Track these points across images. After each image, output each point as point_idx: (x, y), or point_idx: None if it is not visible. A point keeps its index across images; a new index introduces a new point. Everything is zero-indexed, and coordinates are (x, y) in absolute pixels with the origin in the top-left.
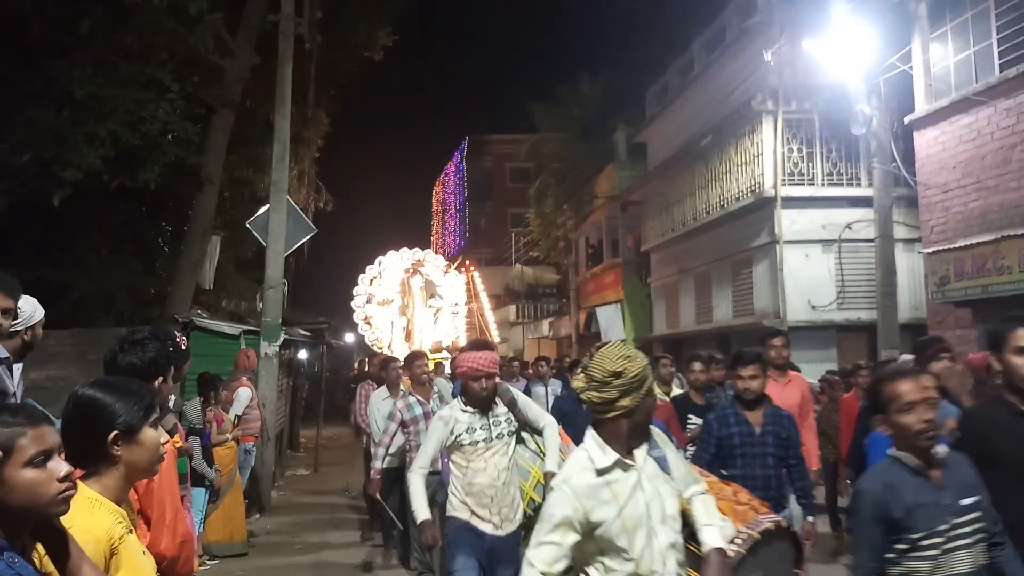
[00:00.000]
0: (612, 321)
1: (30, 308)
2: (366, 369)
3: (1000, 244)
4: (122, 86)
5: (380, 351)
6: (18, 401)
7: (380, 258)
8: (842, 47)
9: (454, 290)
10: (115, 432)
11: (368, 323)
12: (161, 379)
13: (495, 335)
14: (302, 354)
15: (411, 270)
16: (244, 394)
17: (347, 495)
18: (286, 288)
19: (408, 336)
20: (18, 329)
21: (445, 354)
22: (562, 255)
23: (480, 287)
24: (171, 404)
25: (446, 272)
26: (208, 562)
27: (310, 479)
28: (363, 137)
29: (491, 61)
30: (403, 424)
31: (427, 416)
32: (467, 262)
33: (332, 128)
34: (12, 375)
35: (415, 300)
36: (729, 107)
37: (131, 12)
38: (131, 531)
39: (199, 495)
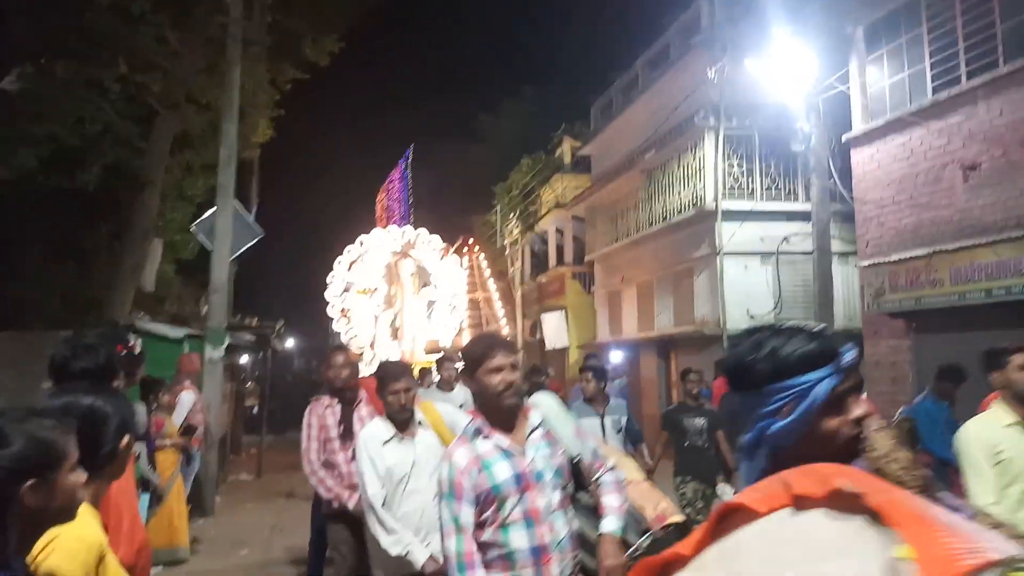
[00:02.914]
0: (557, 328)
1: None
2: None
3: (932, 258)
4: (60, 85)
5: (360, 352)
6: None
7: (362, 237)
8: (782, 67)
9: (452, 278)
10: (129, 437)
11: (345, 316)
12: (116, 384)
13: (505, 330)
14: (244, 359)
15: (400, 253)
16: (186, 398)
17: (292, 500)
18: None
19: (396, 333)
20: None
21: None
22: (507, 263)
23: (487, 272)
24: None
25: (443, 256)
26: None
27: (253, 484)
28: (307, 143)
29: (439, 71)
30: (479, 502)
31: (526, 481)
32: (471, 241)
33: (276, 133)
34: None
35: (404, 289)
36: (672, 122)
37: (70, 10)
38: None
39: (143, 500)
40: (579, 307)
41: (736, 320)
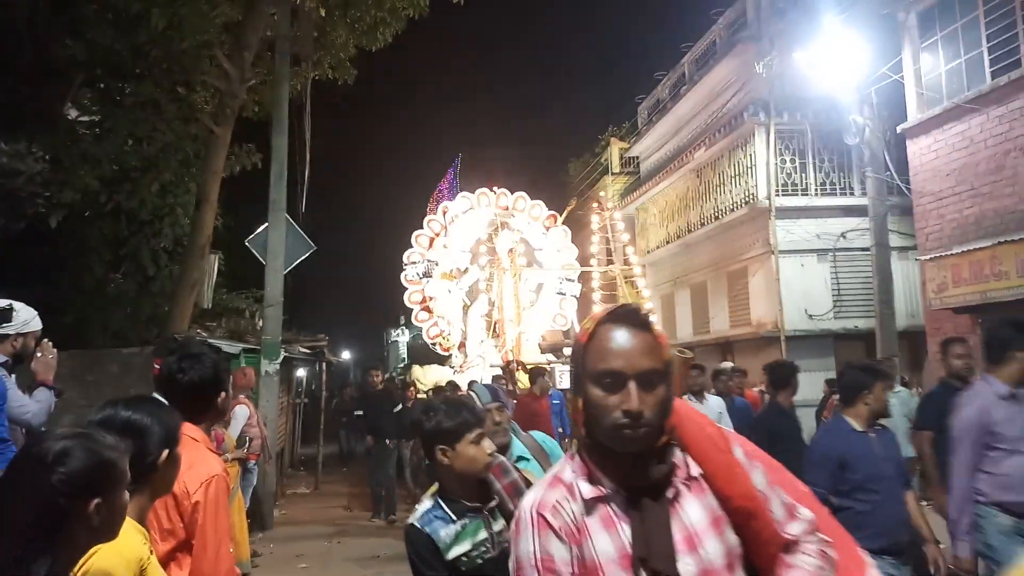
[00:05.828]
0: None
1: (27, 316)
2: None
3: (996, 250)
4: (119, 107)
5: (448, 353)
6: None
7: (446, 204)
8: (833, 58)
9: (561, 255)
10: (167, 451)
11: (427, 309)
12: (224, 394)
13: (655, 313)
14: (301, 372)
15: (497, 223)
16: (241, 412)
17: (349, 512)
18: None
19: (495, 329)
20: (8, 333)
21: (551, 358)
22: None
23: (624, 238)
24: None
25: (548, 229)
26: None
27: (311, 498)
28: (356, 152)
29: (483, 76)
30: None
31: None
32: (601, 198)
33: (325, 144)
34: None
35: (503, 270)
36: (721, 120)
37: (127, 35)
38: (152, 552)
39: None
40: None
41: (794, 321)
